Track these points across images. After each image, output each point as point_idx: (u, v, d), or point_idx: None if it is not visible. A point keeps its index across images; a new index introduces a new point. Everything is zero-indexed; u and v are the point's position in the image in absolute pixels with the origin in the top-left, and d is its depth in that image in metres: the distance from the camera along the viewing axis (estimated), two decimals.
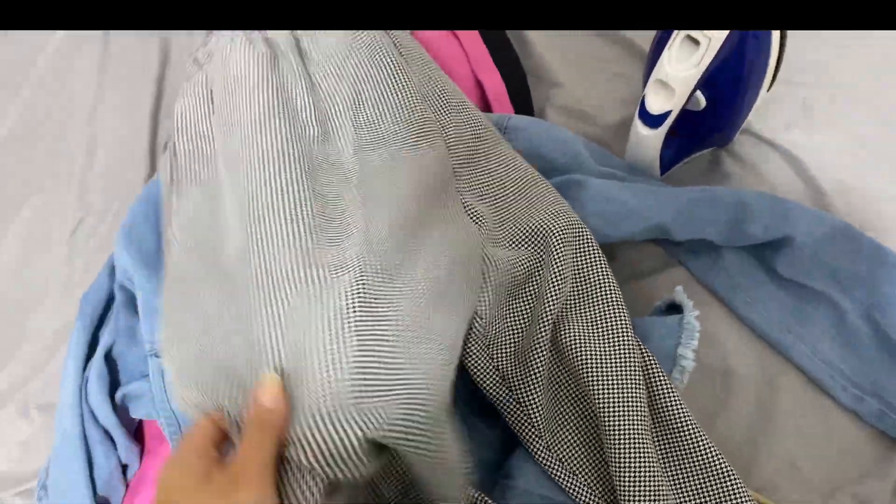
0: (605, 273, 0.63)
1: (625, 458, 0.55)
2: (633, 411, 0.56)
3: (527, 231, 0.64)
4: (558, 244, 0.62)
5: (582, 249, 0.63)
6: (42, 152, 0.89)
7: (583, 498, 0.59)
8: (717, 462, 0.58)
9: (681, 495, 0.59)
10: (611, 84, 0.82)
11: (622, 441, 0.56)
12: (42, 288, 0.81)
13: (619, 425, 0.56)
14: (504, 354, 0.60)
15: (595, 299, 0.62)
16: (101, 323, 0.70)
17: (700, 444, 0.59)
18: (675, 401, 0.60)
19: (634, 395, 0.57)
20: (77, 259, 0.82)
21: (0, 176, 0.89)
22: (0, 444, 0.74)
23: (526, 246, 0.65)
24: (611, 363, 0.59)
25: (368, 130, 0.65)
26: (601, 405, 0.57)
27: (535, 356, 0.59)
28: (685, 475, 0.60)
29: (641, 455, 0.55)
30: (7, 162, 0.90)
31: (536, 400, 0.59)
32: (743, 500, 0.57)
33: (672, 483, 0.60)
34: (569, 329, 0.60)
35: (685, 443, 0.60)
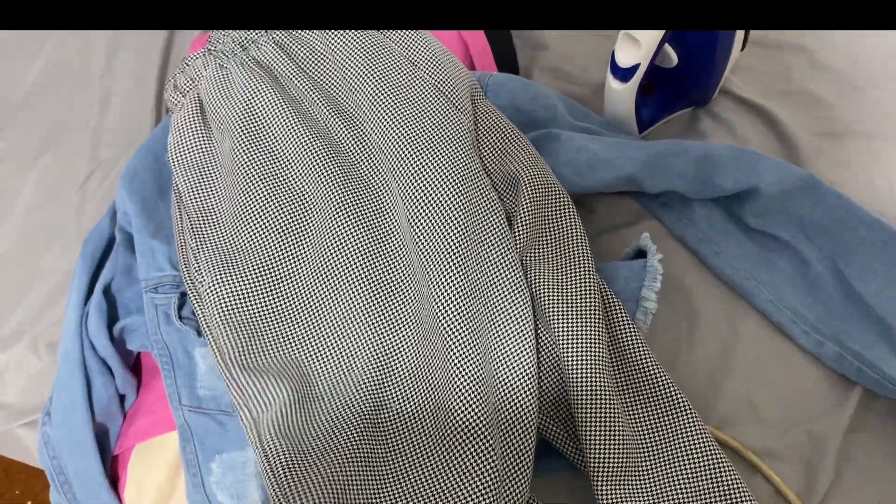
0: (571, 219, 0.66)
1: (581, 384, 0.58)
2: (591, 342, 0.60)
3: (503, 179, 0.68)
4: (528, 189, 0.65)
5: (550, 196, 0.67)
6: (59, 107, 0.94)
7: (550, 434, 0.62)
8: (674, 396, 0.61)
9: (638, 428, 0.62)
10: (596, 46, 0.85)
11: (580, 369, 0.59)
12: (54, 233, 0.86)
13: (578, 354, 0.59)
14: None
15: (560, 242, 0.65)
16: (102, 263, 0.75)
17: (658, 379, 0.62)
18: (636, 339, 0.63)
19: (594, 327, 0.60)
20: (87, 207, 0.87)
21: (23, 128, 0.94)
22: (11, 377, 0.79)
23: (504, 194, 0.68)
24: (571, 299, 0.62)
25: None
26: (561, 338, 0.60)
27: None
28: (643, 408, 0.63)
29: (598, 382, 0.58)
30: (30, 116, 0.95)
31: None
32: (697, 432, 0.60)
33: (630, 416, 0.63)
34: (534, 269, 0.64)
35: (643, 378, 0.63)
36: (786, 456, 0.62)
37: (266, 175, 0.69)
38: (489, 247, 0.64)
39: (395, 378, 0.63)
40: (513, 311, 0.62)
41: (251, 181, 0.69)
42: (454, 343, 0.60)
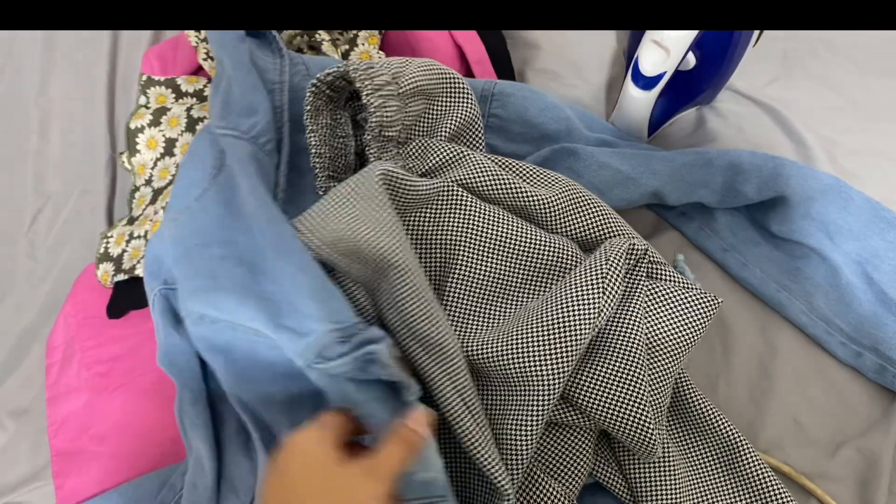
0: None
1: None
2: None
3: None
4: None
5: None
6: None
7: (597, 472, 0.59)
8: (723, 427, 0.59)
9: (691, 462, 0.59)
10: (590, 45, 0.80)
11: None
12: (4, 286, 0.76)
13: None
14: None
15: None
16: None
17: (704, 410, 0.59)
18: (683, 378, 0.60)
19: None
20: (38, 252, 0.77)
21: None
22: None
23: None
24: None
25: None
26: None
27: None
28: (693, 443, 0.60)
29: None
30: None
31: None
32: (752, 464, 0.57)
33: (681, 449, 0.60)
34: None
35: (690, 411, 0.60)
36: (838, 477, 0.61)
37: None
38: None
39: None
40: None
41: None
42: None
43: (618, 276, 0.54)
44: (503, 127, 0.68)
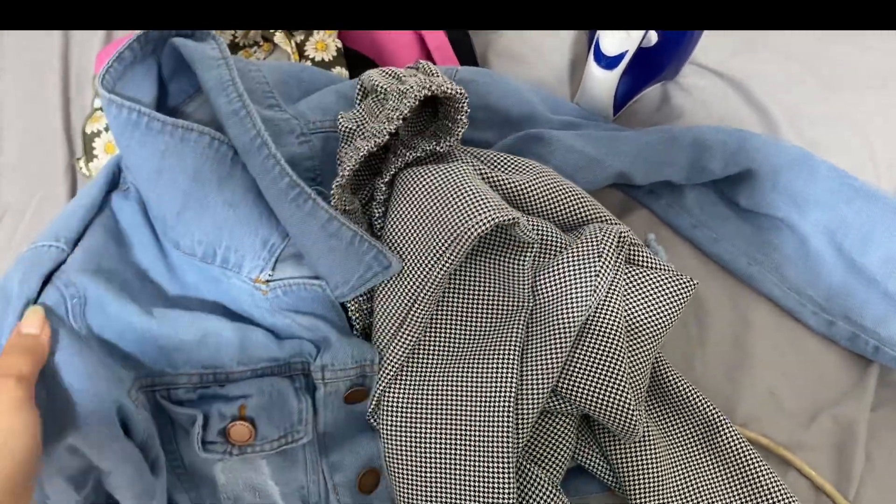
0: None
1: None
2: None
3: None
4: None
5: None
6: None
7: (580, 455, 0.59)
8: (699, 404, 0.59)
9: (671, 442, 0.60)
10: None
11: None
12: None
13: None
14: None
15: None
16: None
17: (683, 389, 0.60)
18: (660, 358, 0.60)
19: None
20: (2, 265, 0.75)
21: None
22: None
23: None
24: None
25: None
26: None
27: None
28: (672, 421, 0.60)
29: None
30: None
31: None
32: (730, 439, 0.58)
33: (661, 429, 0.60)
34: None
35: (667, 389, 0.60)
36: (816, 446, 0.61)
37: None
38: None
39: None
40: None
41: None
42: None
43: (611, 259, 0.55)
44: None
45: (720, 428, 0.58)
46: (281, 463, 0.54)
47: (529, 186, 0.59)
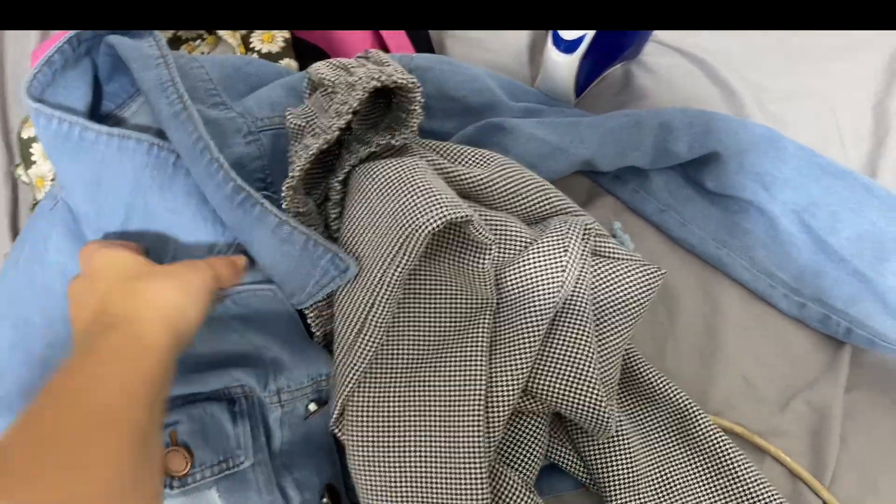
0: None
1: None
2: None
3: None
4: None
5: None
6: None
7: (553, 453, 0.57)
8: (671, 395, 0.58)
9: (645, 436, 0.59)
10: None
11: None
12: None
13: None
14: None
15: None
16: None
17: (654, 381, 0.58)
18: (630, 350, 0.59)
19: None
20: None
21: None
22: None
23: None
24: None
25: None
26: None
27: None
28: (644, 414, 0.59)
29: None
30: None
31: None
32: (704, 431, 0.57)
33: (634, 422, 0.59)
34: None
35: (640, 383, 0.59)
36: (791, 432, 0.60)
37: None
38: None
39: None
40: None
41: None
42: None
43: (577, 252, 0.54)
44: (424, 104, 0.64)
45: (694, 419, 0.57)
46: (230, 486, 0.51)
47: (491, 180, 0.57)
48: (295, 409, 0.53)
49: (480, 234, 0.51)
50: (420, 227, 0.47)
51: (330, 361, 0.53)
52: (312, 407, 0.54)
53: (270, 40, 0.66)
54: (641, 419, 0.59)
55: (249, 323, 0.51)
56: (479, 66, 0.67)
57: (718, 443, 0.57)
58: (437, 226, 0.47)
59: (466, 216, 0.49)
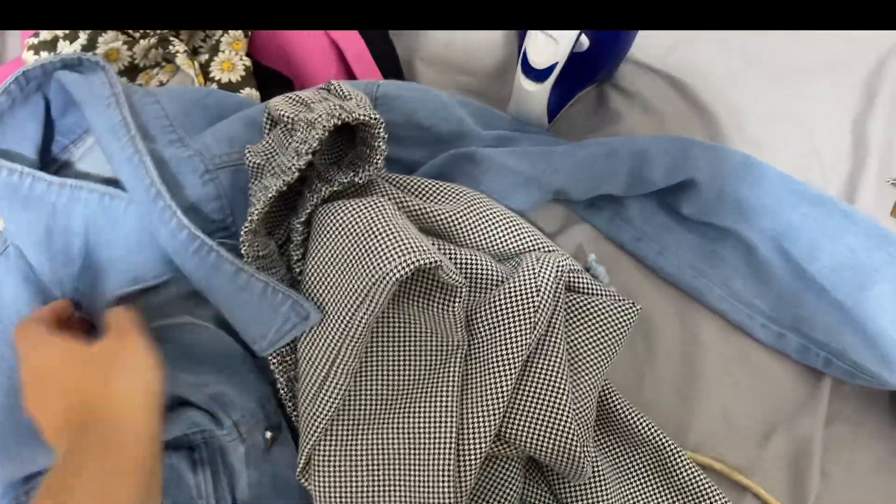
0: None
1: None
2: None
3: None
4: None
5: None
6: None
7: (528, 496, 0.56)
8: (653, 436, 0.56)
9: (621, 473, 0.57)
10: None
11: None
12: None
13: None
14: None
15: None
16: None
17: (632, 419, 0.57)
18: (607, 386, 0.58)
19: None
20: None
21: None
22: None
23: None
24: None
25: None
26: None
27: None
28: (626, 456, 0.58)
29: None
30: None
31: None
32: (681, 469, 0.56)
33: (610, 459, 0.57)
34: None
35: (618, 421, 0.57)
36: (771, 467, 0.59)
37: None
38: None
39: None
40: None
41: None
42: None
43: (549, 292, 0.52)
44: (391, 133, 0.61)
45: (672, 458, 0.56)
46: None
47: (459, 216, 0.55)
48: (255, 442, 0.51)
49: (450, 277, 0.49)
50: (386, 274, 0.45)
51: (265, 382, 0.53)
52: (269, 434, 0.53)
53: (231, 69, 0.63)
54: (618, 458, 0.57)
55: (176, 362, 0.49)
56: (450, 90, 0.65)
57: (698, 483, 0.55)
58: (404, 274, 0.45)
59: (435, 262, 0.47)
